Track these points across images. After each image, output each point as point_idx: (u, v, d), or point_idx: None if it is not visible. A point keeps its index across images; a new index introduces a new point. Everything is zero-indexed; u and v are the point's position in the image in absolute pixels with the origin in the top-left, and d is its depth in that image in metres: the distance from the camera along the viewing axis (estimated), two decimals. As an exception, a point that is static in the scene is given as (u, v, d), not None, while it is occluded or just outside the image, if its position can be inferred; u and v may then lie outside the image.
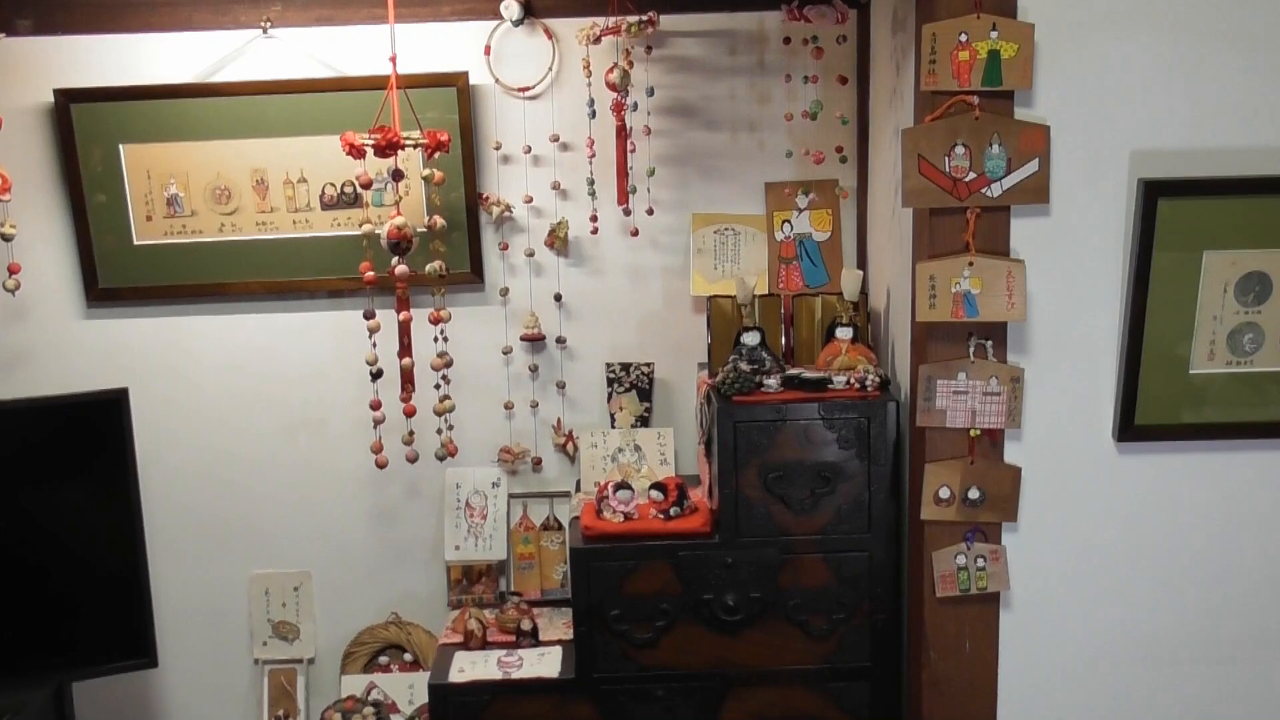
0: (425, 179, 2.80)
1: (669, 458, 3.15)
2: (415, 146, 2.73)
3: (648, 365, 3.19)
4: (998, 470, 2.49)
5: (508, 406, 3.22)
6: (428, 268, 2.80)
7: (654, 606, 2.72)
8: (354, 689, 3.21)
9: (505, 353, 3.20)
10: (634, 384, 3.18)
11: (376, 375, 2.83)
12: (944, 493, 2.50)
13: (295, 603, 3.30)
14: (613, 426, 3.19)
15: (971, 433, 2.47)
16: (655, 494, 2.79)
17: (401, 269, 2.76)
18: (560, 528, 3.24)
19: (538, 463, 3.26)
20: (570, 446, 3.23)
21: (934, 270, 2.40)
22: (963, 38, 2.32)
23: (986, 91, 2.34)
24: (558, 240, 3.14)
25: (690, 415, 3.25)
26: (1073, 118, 2.36)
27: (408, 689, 3.22)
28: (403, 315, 2.79)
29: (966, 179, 2.37)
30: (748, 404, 2.67)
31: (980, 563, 2.52)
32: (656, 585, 2.71)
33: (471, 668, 2.81)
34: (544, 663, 2.83)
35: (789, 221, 3.14)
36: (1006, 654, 2.57)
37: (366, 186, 2.76)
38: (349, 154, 2.73)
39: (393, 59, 2.71)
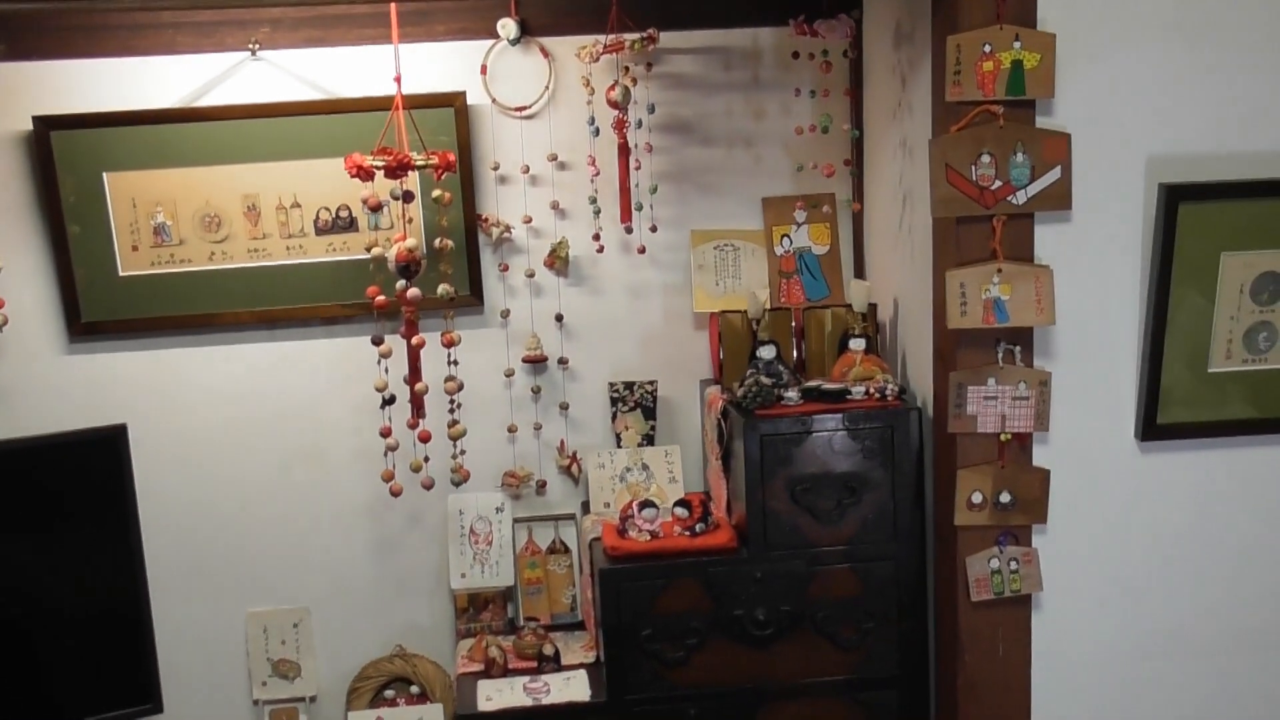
0: (435, 200, 2.76)
1: (678, 475, 3.13)
2: (425, 168, 2.69)
3: (651, 383, 3.17)
4: (1027, 473, 2.53)
5: (511, 430, 3.17)
6: (439, 290, 2.76)
7: (685, 624, 2.70)
8: (360, 725, 3.13)
9: (508, 375, 3.15)
10: (638, 403, 3.16)
11: (389, 401, 2.77)
12: (976, 498, 2.53)
13: (295, 640, 3.20)
14: (618, 446, 3.17)
15: (1002, 437, 2.51)
16: (680, 511, 2.77)
17: (414, 292, 2.71)
18: (567, 551, 3.20)
19: (542, 486, 3.21)
20: (575, 468, 3.20)
21: (964, 278, 2.43)
22: (986, 48, 2.36)
23: (1010, 101, 2.39)
24: (558, 260, 3.12)
25: (694, 432, 3.24)
26: (1091, 125, 2.42)
27: (416, 722, 3.14)
28: (415, 339, 2.74)
29: (993, 187, 2.41)
30: (770, 417, 2.68)
31: (1013, 565, 2.55)
32: (687, 603, 2.69)
33: (499, 695, 2.76)
34: (571, 687, 2.79)
35: (788, 236, 3.15)
36: (1039, 654, 2.60)
37: (376, 209, 2.71)
38: (356, 176, 2.68)
39: (398, 79, 2.68)
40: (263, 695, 3.19)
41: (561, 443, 3.21)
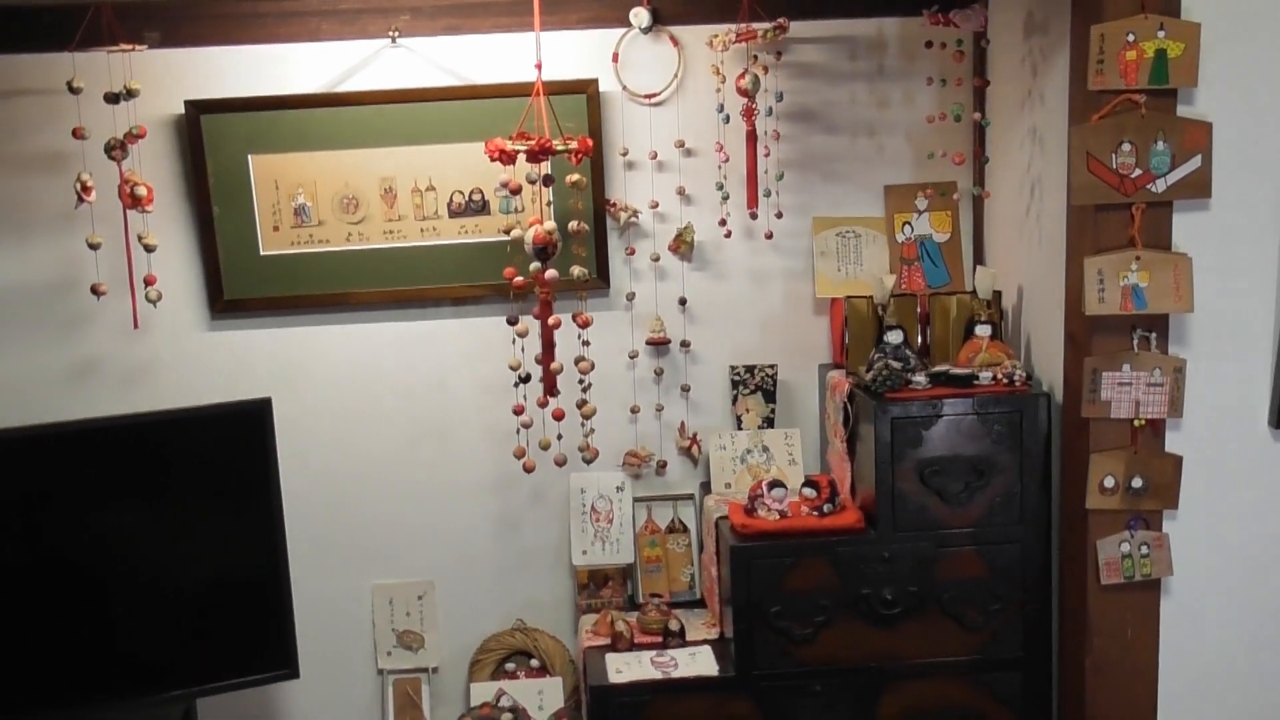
0: (574, 184, 2.83)
1: (797, 458, 3.19)
2: (565, 152, 2.76)
3: (771, 367, 3.22)
4: (1160, 459, 2.55)
5: (634, 410, 3.24)
6: (576, 272, 2.83)
7: (813, 602, 2.75)
8: (483, 696, 3.20)
9: (632, 357, 3.22)
10: (759, 386, 3.22)
11: (525, 380, 2.85)
12: (1108, 482, 2.56)
13: (419, 612, 3.29)
14: (739, 428, 3.22)
15: (1135, 423, 2.53)
16: (808, 491, 2.83)
17: (552, 273, 2.78)
18: (686, 530, 3.26)
19: (662, 466, 3.28)
20: (695, 449, 3.26)
21: (1102, 265, 2.46)
22: (1130, 37, 2.39)
23: (1151, 90, 2.41)
24: (683, 245, 3.18)
25: (811, 415, 3.29)
26: (1233, 113, 2.44)
27: (537, 695, 3.22)
28: (552, 320, 2.82)
29: (1132, 175, 2.44)
30: (901, 400, 2.72)
31: (1144, 550, 2.58)
32: (815, 581, 2.75)
33: (628, 669, 2.83)
34: (698, 662, 2.85)
35: (909, 223, 3.20)
36: (1166, 638, 2.63)
37: (516, 192, 2.78)
38: (497, 160, 2.75)
39: (539, 65, 2.75)
40: (387, 665, 3.29)
41: (682, 424, 3.27)
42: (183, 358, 3.17)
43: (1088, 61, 2.42)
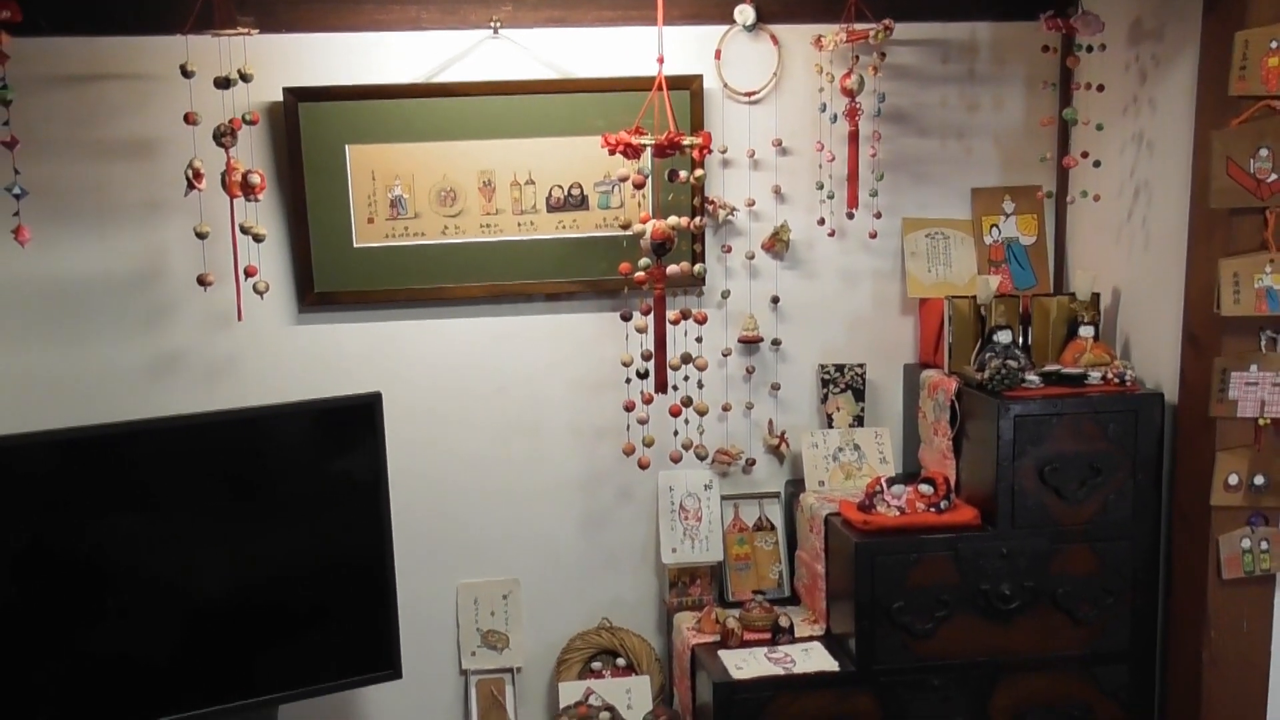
0: (698, 179, 2.83)
1: (888, 456, 3.21)
2: (692, 148, 2.75)
3: (860, 366, 3.25)
4: (1282, 457, 2.64)
5: (725, 409, 3.23)
6: (696, 269, 2.83)
7: (934, 597, 2.78)
8: (572, 696, 3.17)
9: (725, 355, 3.21)
10: (849, 384, 3.24)
11: (642, 375, 2.84)
12: (1232, 479, 2.62)
13: (504, 611, 3.24)
14: (830, 427, 3.24)
15: (1260, 421, 2.60)
16: (924, 488, 2.85)
17: (674, 268, 2.78)
18: (773, 528, 3.27)
19: (751, 464, 3.28)
20: (784, 447, 3.26)
21: (1237, 267, 2.53)
22: (1274, 44, 2.45)
23: (1291, 96, 2.49)
24: (778, 243, 3.18)
25: (894, 414, 3.32)
26: (1363, 122, 2.52)
27: (625, 694, 3.19)
28: (673, 315, 2.82)
29: (1269, 180, 2.51)
30: (1022, 398, 2.76)
31: (1264, 545, 2.65)
32: (936, 577, 2.78)
33: (746, 665, 2.82)
34: (813, 658, 2.85)
35: (997, 226, 3.25)
36: (1279, 631, 2.71)
37: (640, 187, 2.78)
38: (620, 153, 2.73)
39: (660, 59, 2.74)
40: (471, 665, 3.23)
41: (770, 422, 3.27)
42: (269, 352, 3.08)
43: (1225, 67, 2.48)
